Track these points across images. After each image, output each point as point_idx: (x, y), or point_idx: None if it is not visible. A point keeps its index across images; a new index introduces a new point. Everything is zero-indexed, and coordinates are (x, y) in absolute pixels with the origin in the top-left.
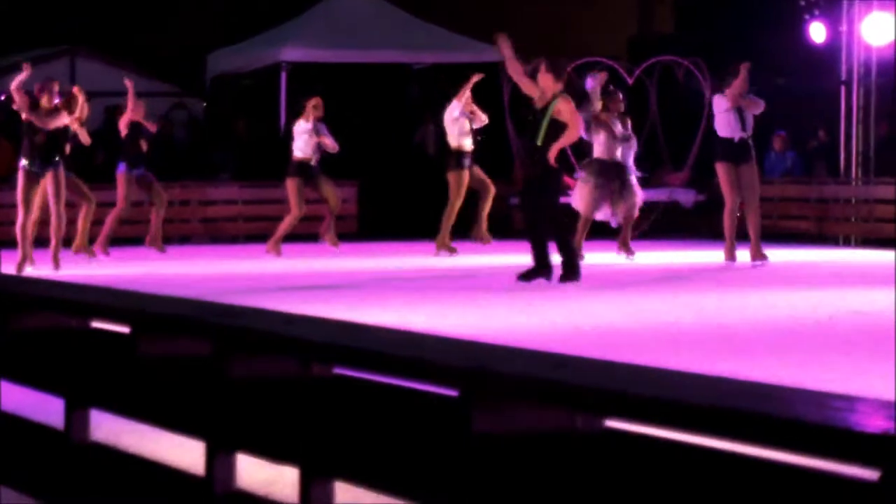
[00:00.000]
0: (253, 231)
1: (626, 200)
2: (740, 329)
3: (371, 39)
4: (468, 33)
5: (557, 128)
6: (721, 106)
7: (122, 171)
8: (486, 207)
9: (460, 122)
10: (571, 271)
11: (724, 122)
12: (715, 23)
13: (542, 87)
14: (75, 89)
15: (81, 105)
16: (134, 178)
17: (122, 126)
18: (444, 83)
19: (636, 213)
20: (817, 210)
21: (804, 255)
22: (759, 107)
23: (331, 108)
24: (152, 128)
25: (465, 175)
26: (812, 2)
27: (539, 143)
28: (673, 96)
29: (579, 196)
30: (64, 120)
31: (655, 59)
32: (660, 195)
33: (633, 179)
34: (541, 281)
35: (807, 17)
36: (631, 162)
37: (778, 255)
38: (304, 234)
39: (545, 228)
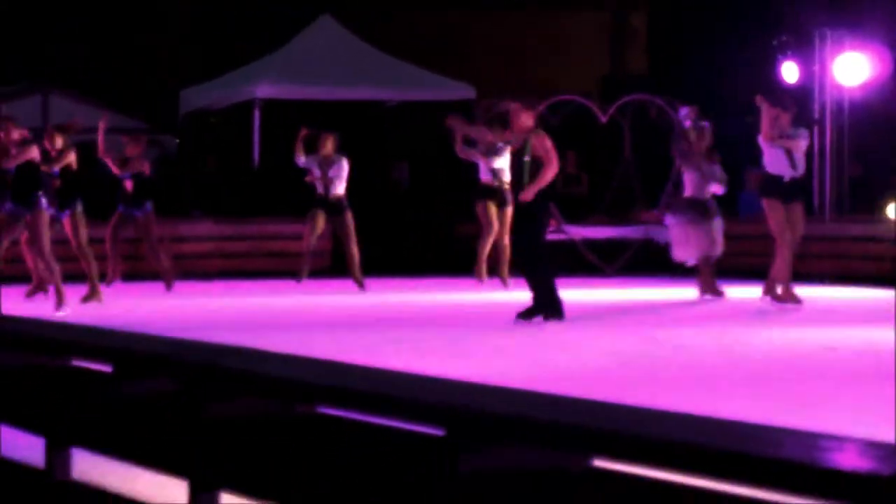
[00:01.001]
0: (226, 268)
1: (712, 241)
2: (719, 366)
3: (344, 76)
4: (439, 71)
5: (538, 166)
6: (764, 143)
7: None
8: (487, 247)
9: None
10: (540, 309)
11: (772, 158)
12: (688, 62)
13: (517, 127)
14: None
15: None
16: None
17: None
18: (416, 120)
19: (718, 251)
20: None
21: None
22: (800, 145)
23: (304, 145)
24: (146, 167)
25: (491, 207)
26: (784, 42)
27: (525, 182)
28: (646, 135)
29: (678, 244)
30: (29, 155)
31: (629, 97)
32: (635, 233)
33: (719, 219)
34: (513, 322)
35: (779, 56)
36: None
37: (753, 292)
38: (284, 270)
39: (530, 265)
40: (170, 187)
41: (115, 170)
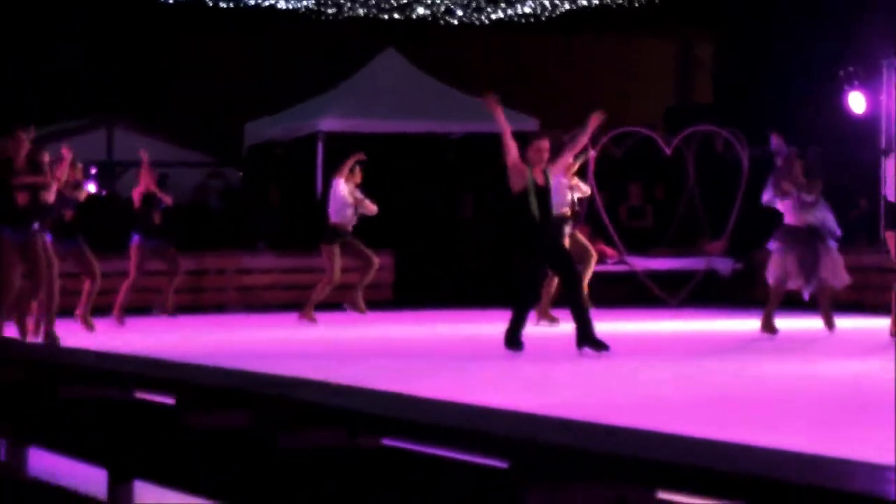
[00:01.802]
0: (289, 300)
1: (823, 269)
2: (781, 398)
3: (407, 109)
4: (506, 104)
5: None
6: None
7: (135, 242)
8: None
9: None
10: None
11: None
12: (753, 92)
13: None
14: (64, 150)
15: (64, 166)
16: (148, 249)
17: (136, 197)
18: (480, 152)
19: (835, 283)
20: (857, 279)
21: (844, 324)
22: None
23: (367, 177)
24: (167, 199)
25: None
26: (851, 72)
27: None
28: (711, 165)
29: (772, 266)
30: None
31: (693, 128)
32: (698, 264)
33: (832, 245)
34: (578, 353)
35: (846, 87)
36: (830, 224)
37: (816, 324)
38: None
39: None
40: (234, 219)
41: (166, 199)
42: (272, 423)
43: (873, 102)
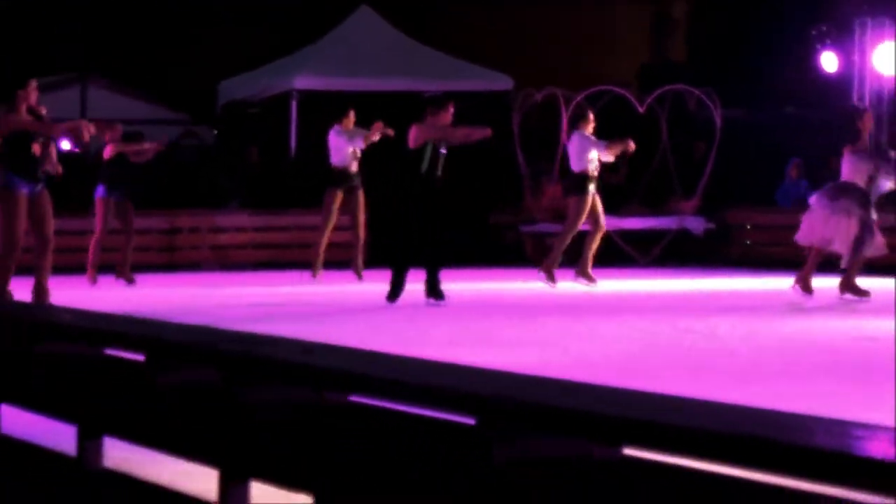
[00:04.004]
0: (262, 259)
1: (859, 237)
2: (752, 357)
3: (382, 68)
4: (479, 62)
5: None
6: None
7: (99, 193)
8: (593, 244)
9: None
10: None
11: None
12: (727, 52)
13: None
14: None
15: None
16: (112, 202)
17: (106, 152)
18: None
19: (867, 252)
20: None
21: (816, 284)
22: None
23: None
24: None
25: (588, 200)
26: (824, 31)
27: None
28: (684, 125)
29: (807, 223)
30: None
31: (667, 87)
32: (670, 223)
33: (873, 215)
34: (550, 312)
35: (819, 46)
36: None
37: (788, 283)
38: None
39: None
40: (207, 178)
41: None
42: (239, 380)
43: (846, 61)
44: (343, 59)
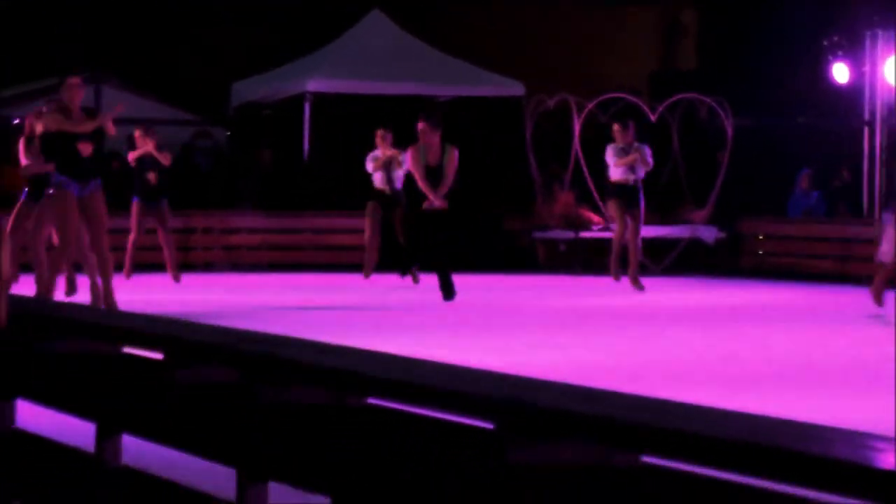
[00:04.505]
0: (275, 260)
1: None
2: (762, 366)
3: (394, 71)
4: (491, 67)
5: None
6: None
7: (135, 202)
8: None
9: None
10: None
11: None
12: (737, 60)
13: (429, 143)
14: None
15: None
16: (144, 208)
17: (132, 158)
18: (466, 116)
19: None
20: (840, 249)
21: (826, 295)
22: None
23: (353, 139)
24: (165, 160)
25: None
26: (836, 42)
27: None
28: (695, 134)
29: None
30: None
31: (678, 96)
32: (682, 232)
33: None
34: (565, 318)
35: (830, 57)
36: None
37: (798, 294)
38: (332, 263)
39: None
40: (220, 180)
41: (164, 160)
42: (258, 380)
43: (857, 73)
44: (356, 62)
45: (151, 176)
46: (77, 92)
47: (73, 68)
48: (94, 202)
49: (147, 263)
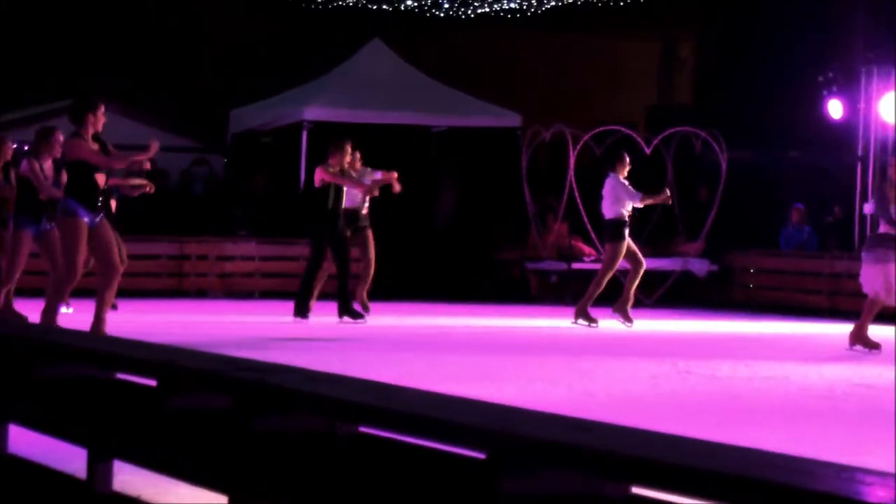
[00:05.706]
0: (269, 287)
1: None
2: (752, 399)
3: (391, 101)
4: (488, 98)
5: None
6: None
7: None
8: (634, 282)
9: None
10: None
11: None
12: (734, 95)
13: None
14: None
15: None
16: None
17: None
18: (462, 146)
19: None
20: (830, 285)
21: (816, 329)
22: None
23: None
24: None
25: (624, 246)
26: (831, 78)
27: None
28: (690, 167)
29: (863, 275)
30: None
31: (673, 129)
32: (674, 265)
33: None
34: (554, 348)
35: (825, 93)
36: None
37: (789, 328)
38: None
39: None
40: (217, 206)
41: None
42: (251, 408)
43: (851, 109)
44: (354, 91)
45: (113, 203)
46: (102, 119)
47: (68, 94)
48: (103, 230)
49: (139, 290)
